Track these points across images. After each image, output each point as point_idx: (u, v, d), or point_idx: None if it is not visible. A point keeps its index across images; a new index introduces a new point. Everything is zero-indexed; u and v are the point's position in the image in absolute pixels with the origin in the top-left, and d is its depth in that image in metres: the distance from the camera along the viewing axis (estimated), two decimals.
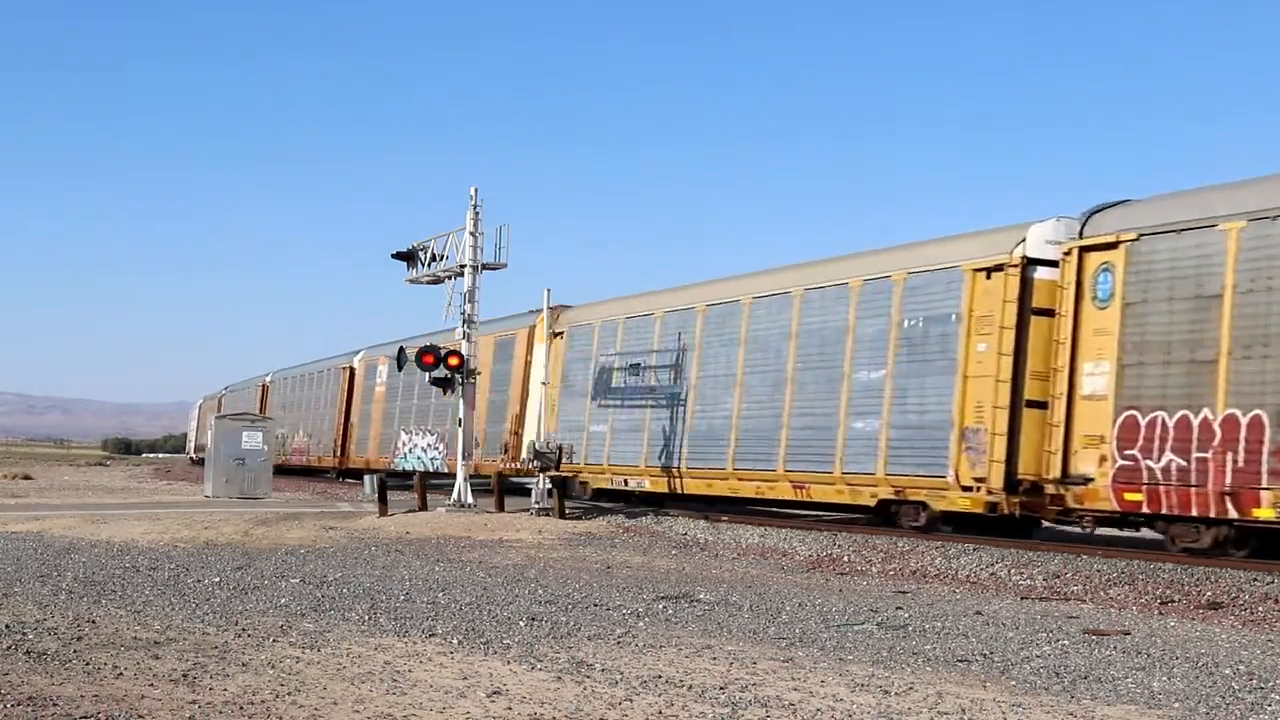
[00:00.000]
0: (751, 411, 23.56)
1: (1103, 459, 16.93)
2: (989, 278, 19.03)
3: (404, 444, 39.26)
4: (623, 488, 27.29)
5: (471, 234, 26.30)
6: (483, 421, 32.50)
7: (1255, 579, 14.46)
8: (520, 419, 32.24)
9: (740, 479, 23.70)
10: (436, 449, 36.87)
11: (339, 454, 47.41)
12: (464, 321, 26.50)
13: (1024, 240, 18.72)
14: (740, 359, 24.04)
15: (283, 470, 53.75)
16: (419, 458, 37.70)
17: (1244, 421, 15.28)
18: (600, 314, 29.82)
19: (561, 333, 29.96)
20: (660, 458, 26.04)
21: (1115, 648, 10.01)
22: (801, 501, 22.80)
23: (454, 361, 25.85)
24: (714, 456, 24.40)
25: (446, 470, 33.03)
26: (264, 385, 62.72)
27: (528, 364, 32.02)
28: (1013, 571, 15.90)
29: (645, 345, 26.95)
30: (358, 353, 47.19)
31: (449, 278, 27.16)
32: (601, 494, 28.25)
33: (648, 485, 26.47)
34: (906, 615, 11.75)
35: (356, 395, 46.74)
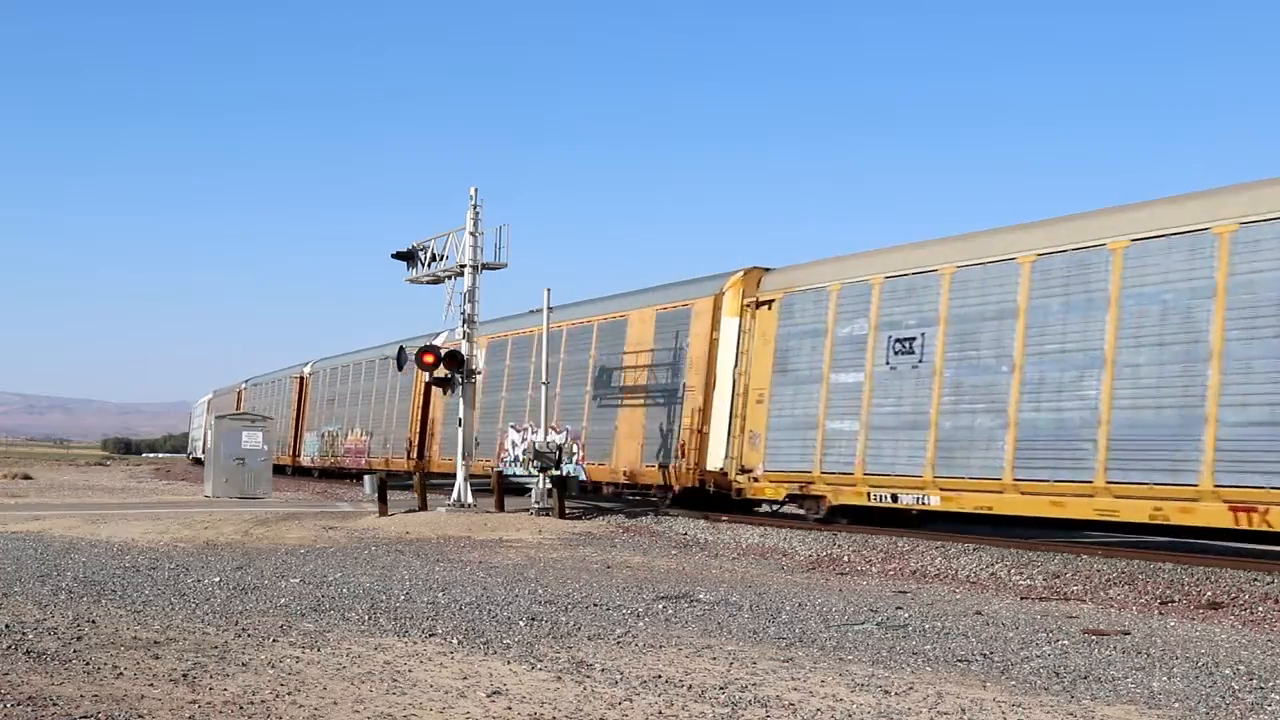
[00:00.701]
0: (1135, 398, 17.00)
1: None
2: None
3: (515, 444, 32.23)
4: (887, 504, 20.60)
5: (471, 234, 26.33)
6: (638, 419, 26.88)
7: (1255, 579, 14.47)
8: (704, 414, 24.83)
9: (1117, 495, 16.89)
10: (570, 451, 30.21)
11: (416, 455, 39.92)
12: (464, 321, 26.52)
13: None
14: (1111, 326, 17.42)
15: (331, 474, 49.52)
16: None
17: None
18: (837, 274, 22.56)
19: (770, 301, 23.60)
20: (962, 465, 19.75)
21: (1115, 648, 10.01)
22: (1246, 531, 15.83)
23: (435, 360, 26.15)
24: (1064, 462, 17.65)
25: (587, 480, 28.49)
26: (301, 377, 55.39)
27: (713, 343, 24.88)
28: (1012, 571, 15.90)
29: (923, 312, 20.29)
30: (438, 334, 39.31)
31: (449, 278, 27.19)
32: (846, 512, 21.73)
33: (936, 502, 19.54)
34: (906, 615, 11.75)
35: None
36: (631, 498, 28.63)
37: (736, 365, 24.12)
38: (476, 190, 26.42)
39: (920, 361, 20.12)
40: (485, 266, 26.53)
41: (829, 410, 21.81)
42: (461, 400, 26.64)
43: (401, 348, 30.42)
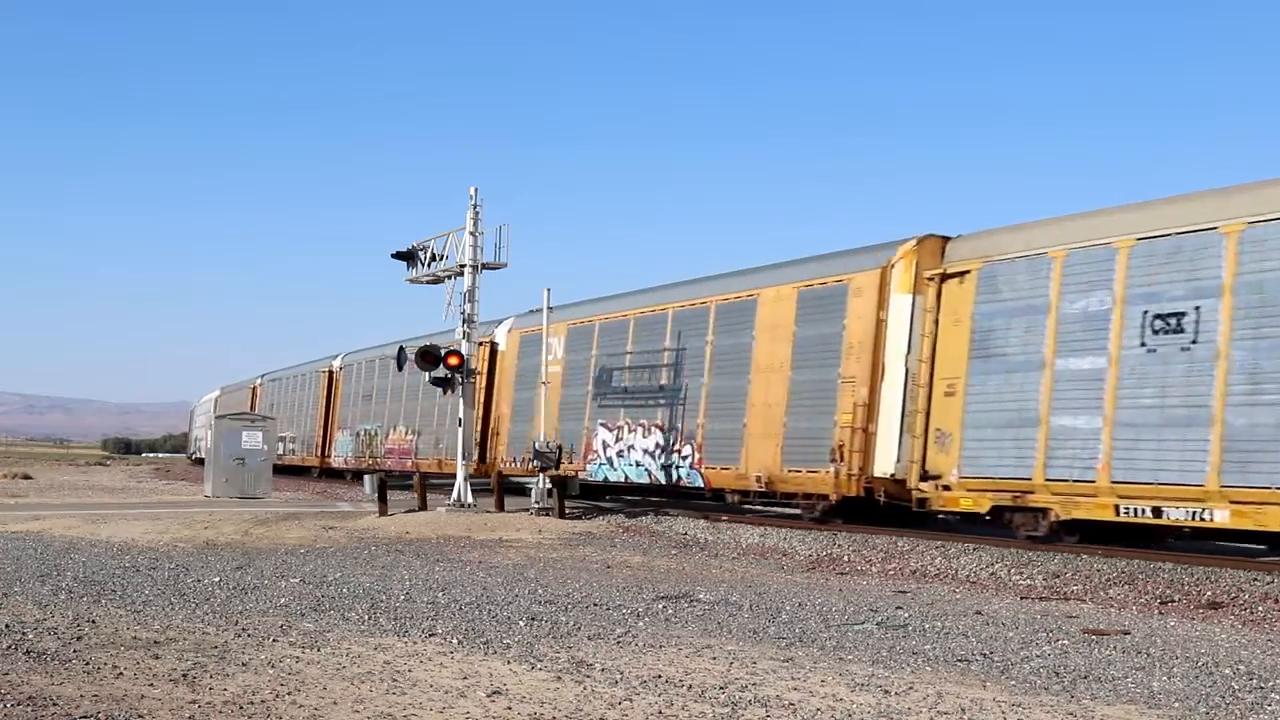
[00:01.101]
0: None
1: None
2: None
3: (607, 444, 27.59)
4: (1145, 519, 16.65)
5: (471, 234, 26.33)
6: (776, 416, 23.06)
7: (1255, 579, 14.46)
8: (868, 409, 21.10)
9: None
10: (675, 453, 25.46)
11: (480, 456, 33.85)
12: (464, 321, 26.52)
13: None
14: None
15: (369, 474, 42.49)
16: (636, 464, 26.68)
17: None
18: (1060, 238, 18.39)
19: (963, 273, 19.70)
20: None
21: (1115, 647, 10.01)
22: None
23: (453, 361, 25.93)
24: None
25: (705, 486, 24.87)
26: (330, 371, 49.73)
27: (880, 325, 21.20)
28: (1012, 571, 15.90)
29: (1197, 281, 16.18)
30: (499, 322, 35.94)
31: (449, 277, 27.19)
32: (1078, 528, 17.77)
33: (1223, 518, 15.55)
34: (906, 615, 11.75)
35: (504, 378, 34.12)
36: (769, 508, 24.74)
37: (910, 351, 20.58)
38: (476, 190, 26.45)
39: (1194, 342, 16.14)
40: (485, 266, 26.53)
41: (1055, 403, 17.79)
42: (462, 400, 26.65)
43: (401, 348, 30.31)
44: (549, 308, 27.71)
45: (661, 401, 26.03)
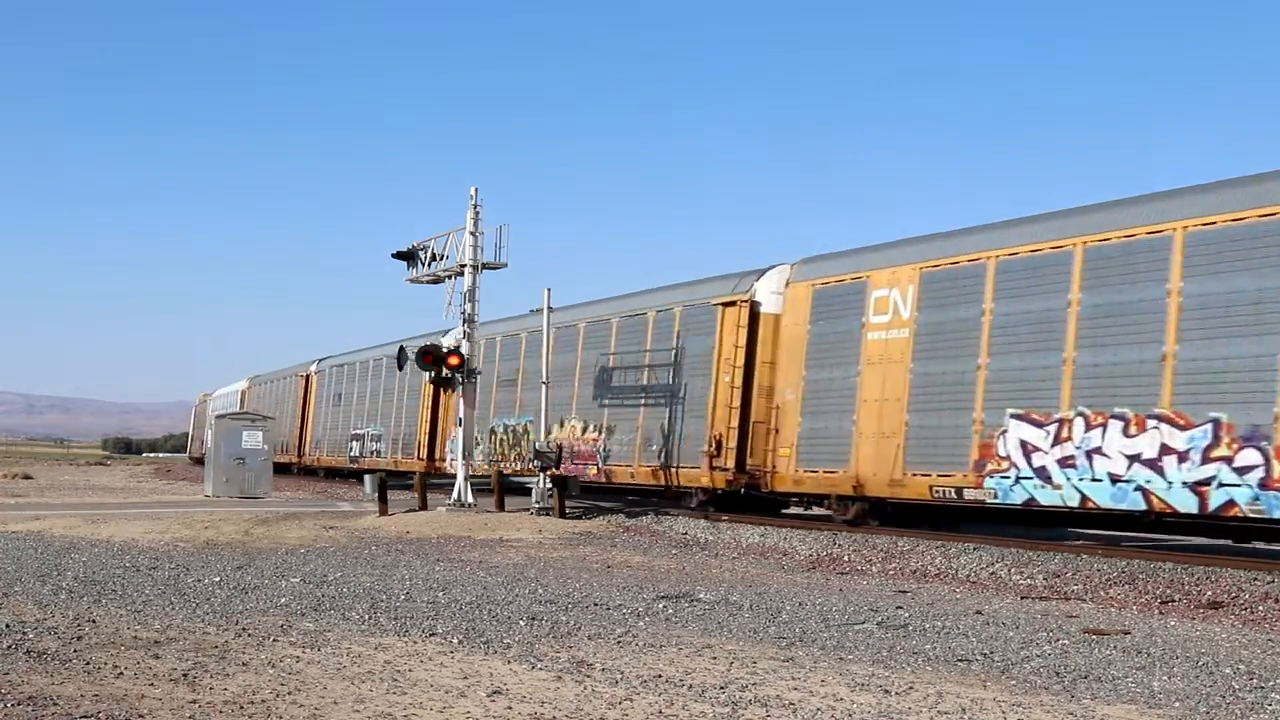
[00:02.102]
0: None
1: None
2: None
3: (1033, 447, 18.05)
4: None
5: (471, 234, 26.35)
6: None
7: (1255, 578, 14.47)
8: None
9: None
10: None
11: (738, 462, 23.96)
12: (464, 321, 26.54)
13: None
14: None
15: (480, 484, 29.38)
16: (1113, 478, 16.89)
17: None
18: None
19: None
20: None
21: (1115, 647, 10.01)
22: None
23: (435, 360, 26.02)
24: None
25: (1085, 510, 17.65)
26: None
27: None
28: (1013, 571, 15.90)
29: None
30: (762, 272, 25.30)
31: (449, 277, 27.21)
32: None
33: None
34: (907, 615, 11.75)
35: (789, 349, 23.26)
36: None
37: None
38: (477, 190, 26.45)
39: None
40: (485, 266, 26.55)
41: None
42: (462, 400, 26.66)
43: (402, 348, 30.25)
44: (549, 308, 27.68)
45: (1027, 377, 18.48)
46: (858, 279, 21.66)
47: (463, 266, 26.51)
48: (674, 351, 26.10)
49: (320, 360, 52.84)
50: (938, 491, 19.38)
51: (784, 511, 24.60)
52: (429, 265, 27.81)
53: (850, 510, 21.23)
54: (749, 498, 24.23)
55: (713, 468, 24.13)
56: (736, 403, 23.67)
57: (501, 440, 33.32)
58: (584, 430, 29.07)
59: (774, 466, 22.80)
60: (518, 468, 30.73)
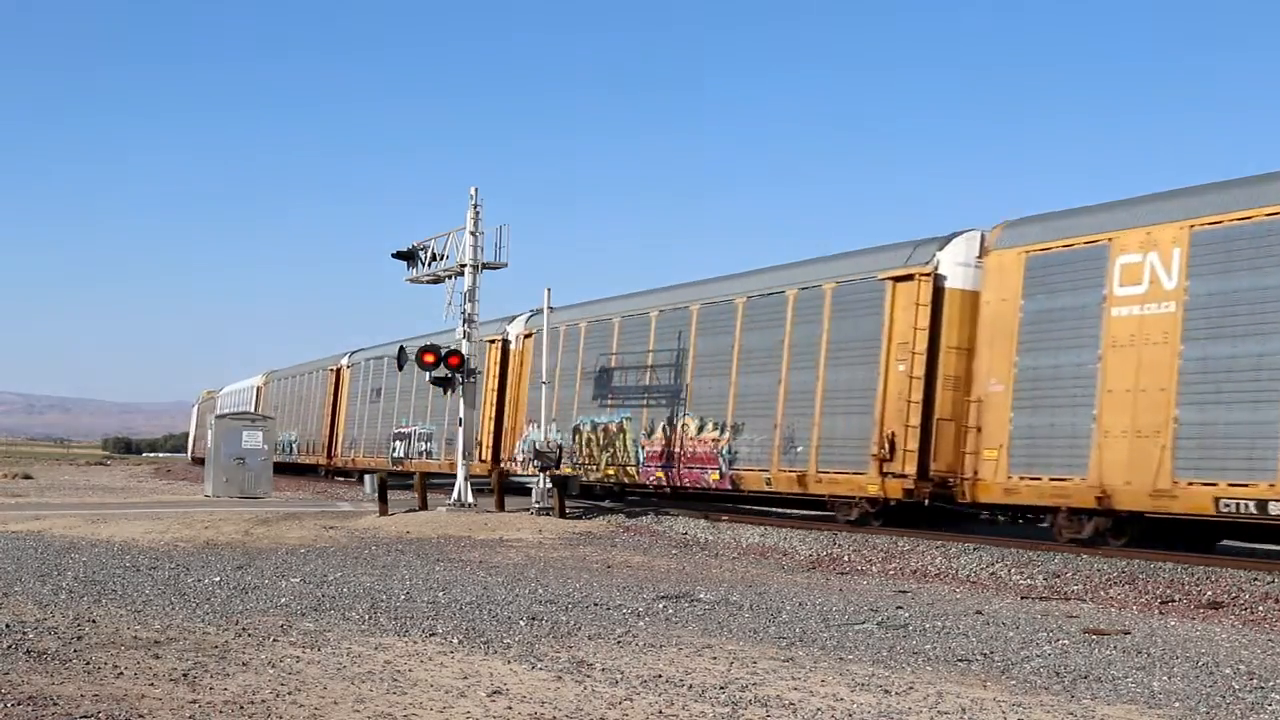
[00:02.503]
0: None
1: None
2: None
3: None
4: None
5: (471, 234, 26.36)
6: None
7: (1255, 579, 14.46)
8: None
9: None
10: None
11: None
12: (464, 321, 26.54)
13: None
14: None
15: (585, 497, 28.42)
16: None
17: None
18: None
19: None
20: None
21: (1115, 647, 10.01)
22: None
23: (451, 361, 25.96)
24: None
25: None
26: (502, 341, 33.90)
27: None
28: (1013, 571, 15.90)
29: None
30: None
31: (449, 277, 27.21)
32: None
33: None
34: (907, 615, 11.75)
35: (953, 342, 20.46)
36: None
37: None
38: (477, 190, 26.46)
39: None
40: (485, 266, 26.55)
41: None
42: (462, 400, 26.65)
43: (402, 348, 30.22)
44: (549, 308, 27.66)
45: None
46: (1094, 243, 17.80)
47: (463, 266, 26.52)
48: (822, 334, 22.26)
49: (353, 353, 47.87)
50: (1226, 505, 15.70)
51: (988, 521, 20.80)
52: (429, 265, 27.81)
53: (1087, 526, 17.49)
54: (935, 510, 20.57)
55: (884, 473, 20.15)
56: (918, 396, 19.90)
57: (589, 440, 28.70)
58: (700, 429, 25.10)
59: (975, 472, 18.92)
60: (611, 474, 27.09)
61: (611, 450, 27.79)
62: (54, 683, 7.41)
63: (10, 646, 8.56)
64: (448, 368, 26.03)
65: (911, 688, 7.96)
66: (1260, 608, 12.89)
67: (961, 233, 20.50)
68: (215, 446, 32.52)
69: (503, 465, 31.42)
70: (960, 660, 9.16)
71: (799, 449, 22.15)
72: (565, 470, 25.91)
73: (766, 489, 23.08)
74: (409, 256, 28.34)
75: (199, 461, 61.59)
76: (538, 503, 24.84)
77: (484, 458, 33.07)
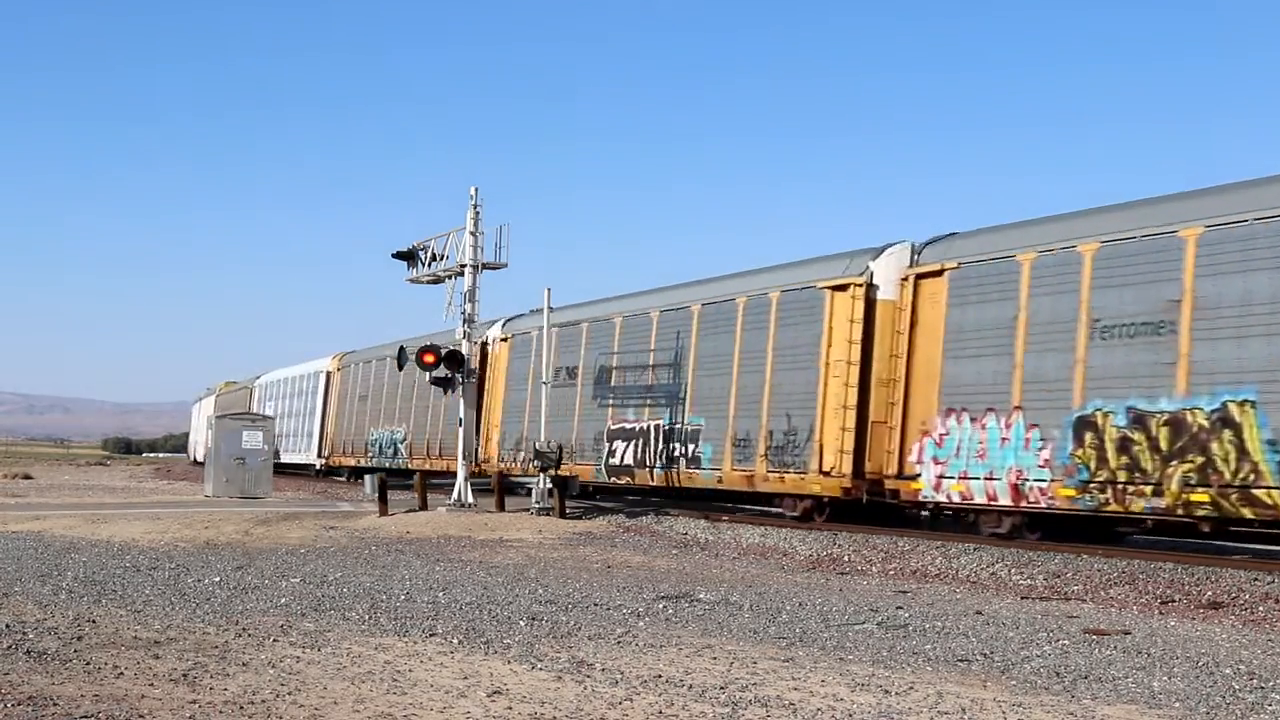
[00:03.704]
0: None
1: None
2: None
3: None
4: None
5: (472, 234, 26.35)
6: None
7: (1256, 579, 14.46)
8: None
9: None
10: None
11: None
12: (464, 321, 26.53)
13: None
14: None
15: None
16: None
17: None
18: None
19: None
20: None
21: (1115, 647, 10.01)
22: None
23: (436, 360, 25.93)
24: None
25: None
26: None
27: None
28: (1013, 571, 15.90)
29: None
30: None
31: (449, 277, 27.21)
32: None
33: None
34: (907, 615, 11.75)
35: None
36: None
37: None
38: (477, 190, 26.45)
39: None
40: (485, 266, 26.55)
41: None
42: (462, 400, 26.64)
43: (402, 347, 30.21)
44: (549, 308, 27.65)
45: None
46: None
47: (463, 266, 26.51)
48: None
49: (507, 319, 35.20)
50: None
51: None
52: (429, 265, 27.81)
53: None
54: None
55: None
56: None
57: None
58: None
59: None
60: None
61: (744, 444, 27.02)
62: (54, 683, 7.41)
63: (10, 647, 8.56)
64: (448, 368, 26.03)
65: (911, 688, 7.96)
66: (1260, 608, 12.89)
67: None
68: (215, 447, 32.55)
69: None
70: (960, 660, 9.16)
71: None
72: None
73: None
74: (409, 256, 28.33)
75: (201, 463, 55.10)
76: (538, 503, 24.83)
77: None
